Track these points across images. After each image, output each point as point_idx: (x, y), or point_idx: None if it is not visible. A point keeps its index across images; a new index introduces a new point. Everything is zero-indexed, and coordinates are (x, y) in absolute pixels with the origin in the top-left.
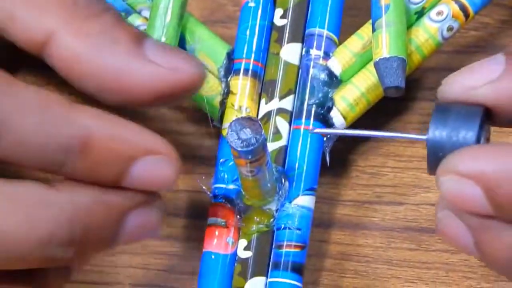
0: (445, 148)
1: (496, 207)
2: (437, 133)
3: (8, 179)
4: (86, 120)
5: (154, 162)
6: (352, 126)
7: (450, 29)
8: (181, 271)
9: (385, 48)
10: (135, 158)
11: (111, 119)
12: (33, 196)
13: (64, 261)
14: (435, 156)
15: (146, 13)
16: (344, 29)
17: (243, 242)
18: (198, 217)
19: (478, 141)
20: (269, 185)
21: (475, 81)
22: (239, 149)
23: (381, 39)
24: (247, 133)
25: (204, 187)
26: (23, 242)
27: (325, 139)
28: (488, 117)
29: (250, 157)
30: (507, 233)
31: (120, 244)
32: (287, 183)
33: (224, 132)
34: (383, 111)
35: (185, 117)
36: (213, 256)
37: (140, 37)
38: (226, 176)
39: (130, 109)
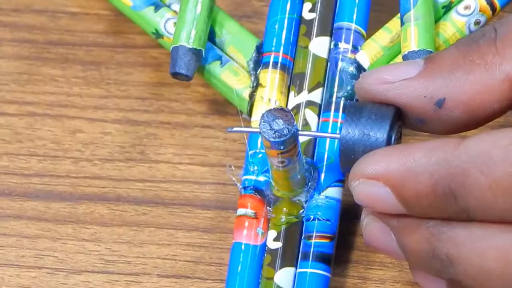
0: (356, 147)
1: (405, 204)
2: (349, 132)
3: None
4: None
5: None
6: None
7: (477, 23)
8: (209, 262)
9: (413, 41)
10: None
11: None
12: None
13: None
14: (347, 155)
15: (175, 7)
16: (369, 24)
17: (272, 233)
18: (224, 208)
19: (388, 141)
20: (299, 176)
21: (391, 76)
22: (272, 139)
23: (410, 32)
24: (279, 124)
25: (234, 179)
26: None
27: None
28: (400, 117)
29: (282, 147)
30: (420, 227)
31: None
32: (316, 175)
33: (253, 124)
34: None
35: (213, 109)
36: (243, 247)
37: None
38: (255, 167)
39: None
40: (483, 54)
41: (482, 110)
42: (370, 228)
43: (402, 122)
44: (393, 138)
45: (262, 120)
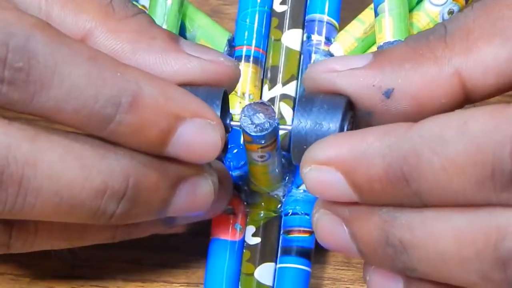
0: (308, 138)
1: (357, 190)
2: (301, 122)
3: (65, 131)
4: (136, 76)
5: (201, 125)
6: None
7: (450, 12)
8: (175, 265)
9: (388, 32)
10: (183, 118)
11: (161, 79)
12: (90, 148)
13: (115, 218)
14: (299, 145)
15: (144, 1)
16: None
17: (251, 229)
18: None
19: (341, 131)
20: (277, 170)
21: (339, 65)
22: (253, 134)
23: (385, 23)
24: (260, 118)
25: None
26: (78, 190)
27: None
28: (352, 108)
29: (263, 142)
30: (373, 214)
31: (169, 214)
32: (293, 168)
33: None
34: None
35: None
36: (221, 243)
37: (175, 36)
38: (232, 163)
39: None
40: (432, 48)
41: (430, 104)
42: (322, 222)
43: (354, 112)
44: (345, 128)
45: (243, 115)
